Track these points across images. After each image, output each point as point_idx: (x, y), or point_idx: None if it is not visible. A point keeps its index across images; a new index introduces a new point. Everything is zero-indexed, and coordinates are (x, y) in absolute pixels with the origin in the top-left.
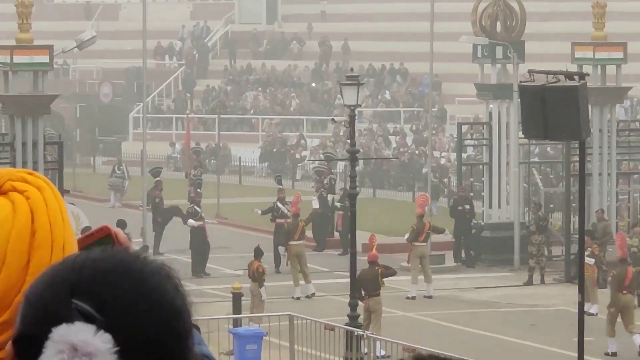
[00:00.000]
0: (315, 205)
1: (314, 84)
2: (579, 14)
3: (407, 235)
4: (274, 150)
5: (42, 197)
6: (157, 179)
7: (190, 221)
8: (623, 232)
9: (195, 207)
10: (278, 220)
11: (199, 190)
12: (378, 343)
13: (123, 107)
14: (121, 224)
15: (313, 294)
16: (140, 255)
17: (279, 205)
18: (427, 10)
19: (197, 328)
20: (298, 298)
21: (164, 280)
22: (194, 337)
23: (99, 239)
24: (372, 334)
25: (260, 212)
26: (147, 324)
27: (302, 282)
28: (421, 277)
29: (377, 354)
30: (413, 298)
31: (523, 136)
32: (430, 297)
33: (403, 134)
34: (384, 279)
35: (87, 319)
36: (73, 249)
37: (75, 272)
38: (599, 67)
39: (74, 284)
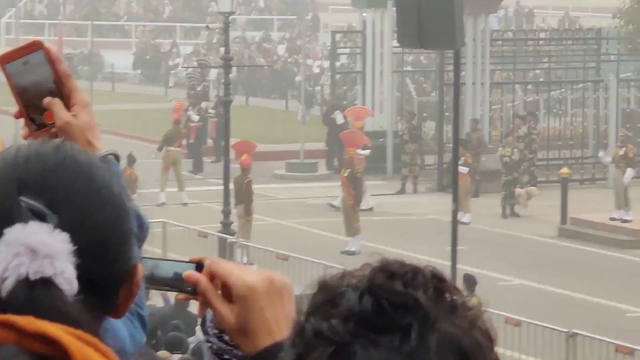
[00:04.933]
0: (195, 118)
1: None
2: None
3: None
4: (147, 57)
5: None
6: None
7: None
8: (496, 142)
9: None
10: None
11: None
12: (239, 250)
13: None
14: None
15: (186, 204)
16: (85, 150)
17: None
18: None
19: (117, 157)
20: (163, 204)
21: (110, 176)
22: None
23: (29, 54)
24: (245, 241)
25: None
26: (100, 222)
27: (174, 189)
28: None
29: (240, 260)
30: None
31: (397, 45)
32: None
33: (276, 42)
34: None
35: (39, 217)
36: None
37: (20, 167)
38: None
39: (20, 180)
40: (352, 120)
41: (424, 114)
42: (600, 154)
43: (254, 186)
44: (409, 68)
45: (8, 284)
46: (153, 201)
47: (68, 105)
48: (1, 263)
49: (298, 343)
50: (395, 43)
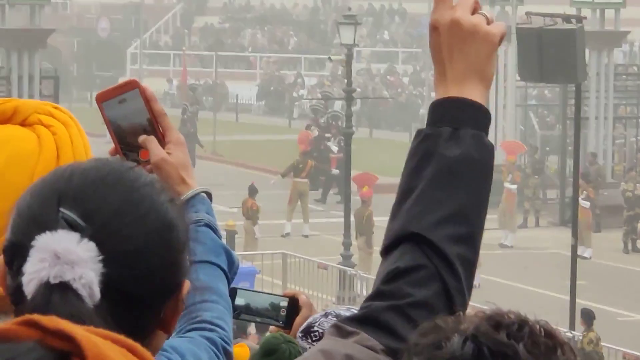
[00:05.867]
0: (334, 149)
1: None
2: None
3: None
4: (272, 88)
5: (68, 134)
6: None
7: None
8: (619, 177)
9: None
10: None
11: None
12: (359, 282)
13: (121, 42)
14: None
15: (307, 236)
16: (134, 167)
17: None
18: None
19: (209, 195)
20: (287, 234)
21: (156, 192)
22: (190, 253)
23: (125, 92)
24: (365, 273)
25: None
26: (135, 233)
27: (295, 220)
28: None
29: (359, 292)
30: None
31: (520, 79)
32: None
33: (400, 75)
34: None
35: (73, 227)
36: None
37: (64, 180)
38: (598, 10)
39: (61, 192)
40: (505, 155)
41: (547, 148)
42: None
43: (375, 218)
44: (533, 102)
45: (30, 287)
46: (275, 232)
47: (162, 144)
48: (29, 267)
49: None
50: (518, 77)
